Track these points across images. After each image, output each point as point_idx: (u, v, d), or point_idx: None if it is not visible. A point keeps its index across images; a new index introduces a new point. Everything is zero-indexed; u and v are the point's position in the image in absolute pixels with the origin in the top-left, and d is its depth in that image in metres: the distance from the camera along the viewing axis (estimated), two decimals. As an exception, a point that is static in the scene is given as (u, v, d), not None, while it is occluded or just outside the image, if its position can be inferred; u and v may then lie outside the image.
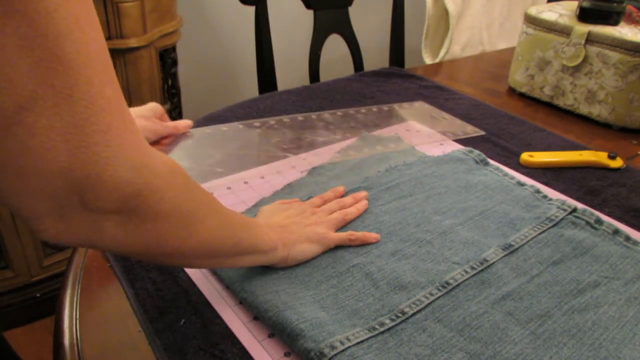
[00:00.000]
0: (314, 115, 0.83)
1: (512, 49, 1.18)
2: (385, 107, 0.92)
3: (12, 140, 0.27)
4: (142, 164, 0.32)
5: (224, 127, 0.74)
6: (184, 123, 0.75)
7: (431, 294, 0.50)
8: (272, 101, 0.94)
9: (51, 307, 0.63)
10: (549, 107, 1.01)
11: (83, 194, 0.30)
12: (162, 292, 0.51)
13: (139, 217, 0.33)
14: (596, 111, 0.93)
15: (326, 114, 0.85)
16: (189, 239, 0.39)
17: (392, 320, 0.47)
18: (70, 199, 0.30)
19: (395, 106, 0.94)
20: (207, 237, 0.41)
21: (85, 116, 0.29)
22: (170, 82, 1.46)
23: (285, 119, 0.79)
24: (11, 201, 0.30)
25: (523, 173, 0.74)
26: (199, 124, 0.85)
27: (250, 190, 0.67)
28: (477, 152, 0.76)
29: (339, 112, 0.87)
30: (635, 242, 0.58)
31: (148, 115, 0.71)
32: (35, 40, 0.26)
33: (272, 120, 0.75)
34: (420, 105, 0.96)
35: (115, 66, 1.06)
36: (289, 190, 0.67)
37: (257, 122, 0.76)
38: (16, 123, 0.27)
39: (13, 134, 0.27)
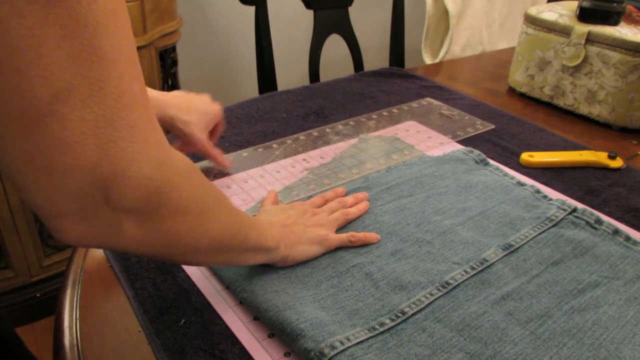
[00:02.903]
0: (327, 129, 0.84)
1: (512, 49, 1.18)
2: (395, 110, 0.93)
3: (44, 132, 0.27)
4: (164, 161, 0.33)
5: (244, 153, 0.76)
6: (226, 163, 0.71)
7: (431, 294, 0.50)
8: (272, 101, 0.94)
9: (51, 307, 0.63)
10: (549, 107, 1.01)
11: (108, 191, 0.30)
12: (162, 292, 0.51)
13: (159, 216, 0.34)
14: (596, 111, 0.93)
15: (339, 125, 0.86)
16: (204, 236, 0.39)
17: (392, 320, 0.47)
18: (95, 196, 0.30)
19: (404, 107, 0.94)
20: (220, 233, 0.41)
21: (115, 110, 0.29)
22: (170, 82, 1.46)
23: (302, 136, 0.81)
24: (35, 198, 0.29)
25: (523, 173, 0.74)
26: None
27: (251, 190, 0.67)
28: (477, 152, 0.76)
29: (351, 122, 0.87)
30: (635, 242, 0.58)
31: (206, 125, 0.67)
32: (76, 31, 0.26)
33: (288, 140, 0.77)
34: (428, 103, 0.96)
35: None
36: (289, 191, 0.67)
37: (274, 144, 0.79)
38: (50, 114, 0.27)
39: (45, 125, 0.27)
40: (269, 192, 0.63)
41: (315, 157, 0.76)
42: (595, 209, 0.66)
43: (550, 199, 0.66)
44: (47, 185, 0.29)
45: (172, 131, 0.65)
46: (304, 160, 0.75)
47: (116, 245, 0.34)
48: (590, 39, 0.90)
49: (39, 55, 0.25)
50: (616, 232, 0.60)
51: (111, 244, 0.33)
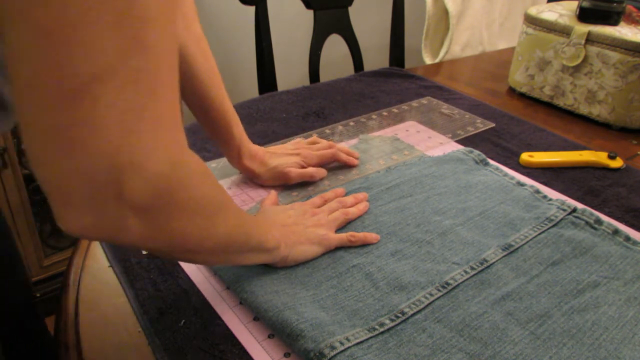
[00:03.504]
0: (327, 130, 0.85)
1: (512, 49, 1.18)
2: (395, 109, 0.93)
3: (75, 109, 0.27)
4: (180, 160, 0.33)
5: None
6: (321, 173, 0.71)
7: (431, 294, 0.50)
8: (272, 101, 0.94)
9: (51, 307, 0.63)
10: (549, 107, 1.01)
11: (121, 181, 0.30)
12: (162, 292, 0.51)
13: (166, 215, 0.34)
14: (596, 111, 0.93)
15: (339, 126, 0.86)
16: (208, 239, 0.39)
17: (392, 320, 0.47)
18: (107, 187, 0.30)
19: (405, 106, 0.94)
20: (225, 236, 0.41)
21: (144, 102, 0.29)
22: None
23: (301, 136, 0.82)
24: (51, 178, 0.30)
25: (523, 173, 0.74)
26: (198, 124, 0.84)
27: (250, 190, 0.67)
28: (477, 152, 0.76)
29: (351, 122, 0.88)
30: (635, 242, 0.58)
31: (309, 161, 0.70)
32: (128, 20, 0.27)
33: (288, 140, 0.77)
34: (428, 102, 0.96)
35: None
36: (288, 191, 0.67)
37: (275, 144, 0.79)
38: (86, 92, 0.27)
39: (79, 102, 0.27)
40: (270, 193, 0.63)
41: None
42: (595, 209, 0.66)
43: (550, 199, 0.66)
44: (65, 163, 0.29)
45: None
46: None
47: (119, 241, 0.34)
48: (590, 39, 0.90)
49: (89, 34, 0.26)
50: (616, 232, 0.60)
51: (114, 239, 0.33)
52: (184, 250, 0.38)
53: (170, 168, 0.32)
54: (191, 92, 0.61)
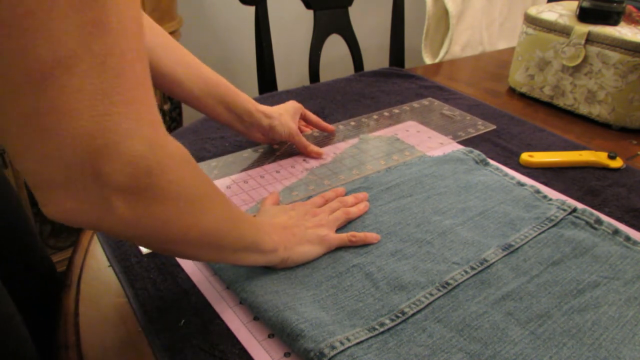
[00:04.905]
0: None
1: (512, 49, 1.18)
2: (395, 110, 0.93)
3: (42, 96, 0.28)
4: (158, 143, 0.33)
5: (244, 154, 0.77)
6: (330, 128, 0.83)
7: (431, 294, 0.50)
8: (272, 101, 0.94)
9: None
10: (549, 107, 1.01)
11: (98, 164, 0.30)
12: (162, 292, 0.51)
13: (148, 198, 0.34)
14: (596, 111, 0.93)
15: (340, 125, 0.86)
16: (195, 226, 0.39)
17: (392, 320, 0.47)
18: (85, 168, 0.30)
19: (406, 107, 0.94)
20: (213, 226, 0.41)
21: (114, 85, 0.29)
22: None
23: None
24: (27, 164, 0.30)
25: (523, 173, 0.74)
26: (198, 124, 0.85)
27: (250, 190, 0.67)
28: (477, 152, 0.76)
29: (352, 122, 0.88)
30: (635, 242, 0.58)
31: (293, 114, 0.77)
32: (86, 3, 0.27)
33: (288, 142, 0.78)
34: (430, 103, 0.96)
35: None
36: (289, 191, 0.67)
37: (275, 144, 0.79)
38: (50, 78, 0.27)
39: (45, 88, 0.27)
40: (271, 193, 0.63)
41: (316, 158, 0.76)
42: (595, 209, 0.66)
43: (550, 199, 0.66)
44: (40, 150, 0.29)
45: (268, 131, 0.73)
46: (304, 160, 0.75)
47: (103, 225, 0.34)
48: (590, 39, 0.90)
49: (48, 20, 0.26)
50: (616, 232, 0.60)
51: (98, 224, 0.33)
52: (169, 239, 0.38)
53: (149, 149, 0.32)
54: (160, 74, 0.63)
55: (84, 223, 0.33)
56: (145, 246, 0.54)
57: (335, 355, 0.42)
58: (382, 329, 0.46)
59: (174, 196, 0.35)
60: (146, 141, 0.32)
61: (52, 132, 0.28)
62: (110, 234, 0.45)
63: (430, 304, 0.49)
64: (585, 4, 0.92)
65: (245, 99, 0.70)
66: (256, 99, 0.74)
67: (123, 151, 0.30)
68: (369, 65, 1.27)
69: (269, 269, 0.52)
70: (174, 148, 0.35)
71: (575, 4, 0.98)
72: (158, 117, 0.33)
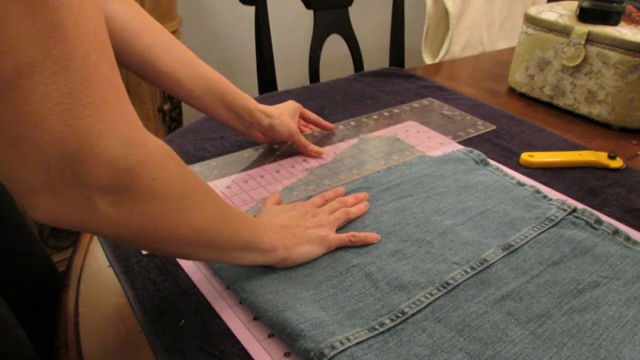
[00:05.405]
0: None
1: (512, 49, 1.18)
2: (395, 110, 0.93)
3: (10, 106, 0.28)
4: (136, 142, 0.33)
5: (244, 153, 0.77)
6: (329, 126, 0.83)
7: (431, 294, 0.50)
8: (272, 101, 0.94)
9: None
10: (549, 107, 1.01)
11: (76, 167, 0.30)
12: (162, 292, 0.51)
13: (132, 197, 0.34)
14: (596, 111, 0.93)
15: (340, 125, 0.86)
16: (183, 225, 0.39)
17: (392, 320, 0.47)
18: (64, 172, 0.30)
19: (406, 107, 0.94)
20: (203, 225, 0.41)
21: (81, 88, 0.29)
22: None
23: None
24: (7, 173, 0.30)
25: (523, 173, 0.74)
26: (198, 124, 0.85)
27: (251, 190, 0.67)
28: (477, 152, 0.76)
29: (352, 122, 0.88)
30: (635, 242, 0.58)
31: (293, 113, 0.77)
32: (38, 8, 0.27)
33: (288, 141, 0.78)
34: (430, 103, 0.97)
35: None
36: (289, 191, 0.67)
37: (275, 144, 0.79)
38: (14, 88, 0.27)
39: (11, 99, 0.27)
40: (273, 193, 0.63)
41: (316, 158, 0.76)
42: (595, 209, 0.66)
43: (550, 199, 0.66)
44: (15, 159, 0.29)
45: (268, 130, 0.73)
46: (304, 160, 0.75)
47: (90, 225, 0.33)
48: (590, 39, 0.90)
49: (2, 31, 0.26)
50: (616, 232, 0.60)
51: (85, 224, 0.33)
52: (159, 239, 0.38)
53: (127, 149, 0.32)
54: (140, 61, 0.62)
55: (72, 224, 0.33)
56: (137, 247, 0.54)
57: (335, 355, 0.42)
58: (382, 329, 0.46)
59: (158, 194, 0.35)
60: (123, 141, 0.31)
61: (25, 140, 0.28)
62: (100, 234, 0.45)
63: (430, 304, 0.49)
64: (585, 4, 0.92)
65: (246, 98, 0.70)
66: (256, 99, 0.74)
67: (99, 153, 0.30)
68: (369, 65, 1.27)
69: (269, 269, 0.52)
70: (154, 146, 0.35)
71: (575, 4, 0.98)
72: (134, 116, 0.33)
